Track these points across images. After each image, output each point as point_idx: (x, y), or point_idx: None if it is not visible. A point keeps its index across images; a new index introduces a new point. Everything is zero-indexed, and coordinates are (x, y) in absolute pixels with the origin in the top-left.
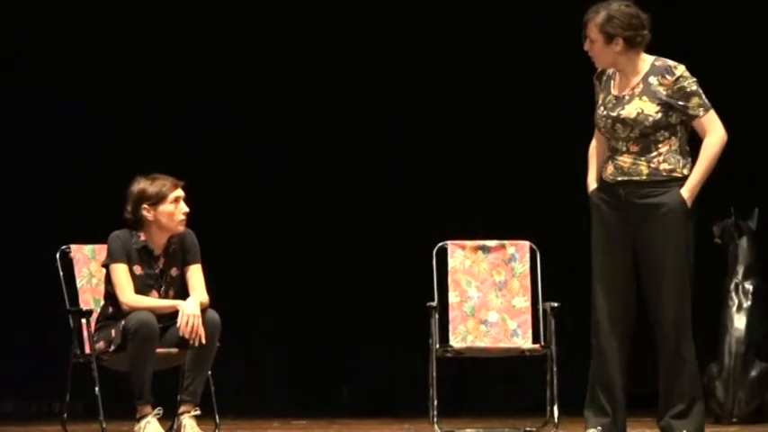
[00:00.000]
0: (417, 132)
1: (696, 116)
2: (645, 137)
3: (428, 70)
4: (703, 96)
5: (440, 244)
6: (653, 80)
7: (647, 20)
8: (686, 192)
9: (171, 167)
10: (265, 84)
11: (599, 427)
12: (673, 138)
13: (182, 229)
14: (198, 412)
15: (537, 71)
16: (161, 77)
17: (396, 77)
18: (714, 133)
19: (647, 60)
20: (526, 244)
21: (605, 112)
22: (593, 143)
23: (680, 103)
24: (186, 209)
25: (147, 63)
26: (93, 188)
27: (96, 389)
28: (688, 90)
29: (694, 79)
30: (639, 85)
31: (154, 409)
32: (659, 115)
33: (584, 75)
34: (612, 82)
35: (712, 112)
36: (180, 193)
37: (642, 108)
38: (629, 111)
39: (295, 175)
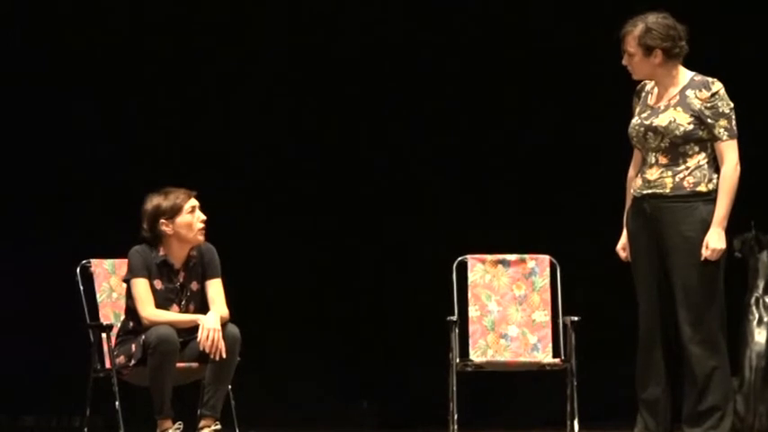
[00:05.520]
0: (438, 146)
1: (719, 138)
2: (675, 147)
3: (449, 82)
4: (733, 122)
5: (460, 258)
6: (690, 93)
7: (683, 31)
8: (715, 228)
9: (187, 181)
10: (282, 97)
11: None
12: (702, 153)
13: (201, 238)
14: (218, 427)
15: (564, 81)
16: (174, 88)
17: (416, 90)
18: (728, 162)
19: (686, 74)
20: (546, 258)
21: (639, 121)
22: (630, 172)
23: (709, 120)
24: (203, 216)
25: (157, 72)
26: (114, 201)
27: (116, 403)
28: (720, 110)
29: (730, 103)
30: (676, 96)
31: (174, 423)
32: (691, 127)
33: (612, 86)
34: (650, 96)
35: (734, 141)
36: (194, 202)
37: (675, 117)
38: (662, 119)
39: (313, 188)
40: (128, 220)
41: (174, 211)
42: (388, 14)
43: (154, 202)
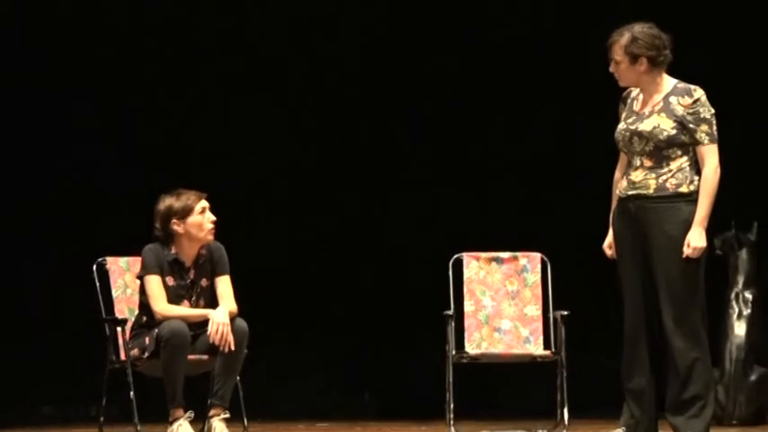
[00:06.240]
0: (438, 146)
1: (700, 142)
2: (658, 151)
3: (449, 82)
4: (713, 127)
5: (456, 255)
6: (673, 99)
7: (668, 40)
8: (696, 227)
9: (187, 181)
10: (282, 96)
11: (623, 428)
12: (684, 156)
13: (211, 238)
14: (227, 415)
15: (556, 82)
16: (174, 88)
17: (416, 90)
18: (708, 165)
19: (669, 82)
20: (537, 255)
21: (625, 126)
22: (617, 174)
23: (691, 125)
24: (213, 218)
25: (160, 73)
26: (114, 201)
27: (131, 393)
28: (701, 116)
29: (711, 109)
30: (660, 103)
31: (186, 412)
32: (674, 132)
33: (607, 88)
34: (636, 102)
35: (715, 146)
36: (205, 203)
37: (659, 123)
38: (647, 124)
39: (313, 188)
40: (127, 220)
41: (186, 212)
42: (388, 14)
43: (166, 202)
